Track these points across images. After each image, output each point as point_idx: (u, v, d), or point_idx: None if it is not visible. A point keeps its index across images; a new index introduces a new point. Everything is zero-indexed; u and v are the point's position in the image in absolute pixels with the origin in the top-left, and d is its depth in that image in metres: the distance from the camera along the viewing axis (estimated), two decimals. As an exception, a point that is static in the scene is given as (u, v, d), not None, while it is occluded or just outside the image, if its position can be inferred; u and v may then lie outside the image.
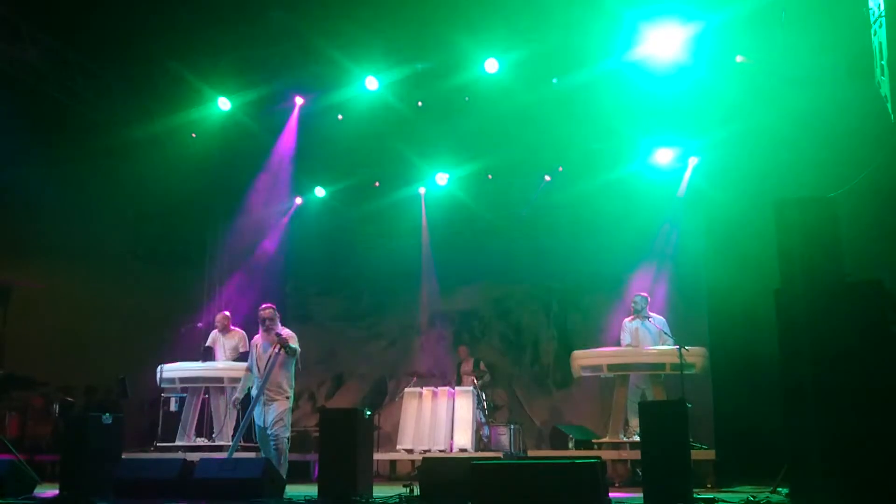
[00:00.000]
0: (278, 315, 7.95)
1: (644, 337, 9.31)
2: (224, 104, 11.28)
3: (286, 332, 7.86)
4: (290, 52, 10.20)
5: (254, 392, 7.87)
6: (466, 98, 10.94)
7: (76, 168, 10.61)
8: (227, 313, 10.62)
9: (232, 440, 9.38)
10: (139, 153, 10.82)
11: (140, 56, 10.13)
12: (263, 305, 8.01)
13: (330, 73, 10.68)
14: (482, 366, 11.44)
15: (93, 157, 10.51)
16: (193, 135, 11.56)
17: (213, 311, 12.38)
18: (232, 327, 10.44)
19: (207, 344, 10.41)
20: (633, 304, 9.47)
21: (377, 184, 12.83)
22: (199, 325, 12.20)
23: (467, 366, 11.41)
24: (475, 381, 10.76)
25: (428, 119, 11.40)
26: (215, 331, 10.53)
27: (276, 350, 7.66)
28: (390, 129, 11.49)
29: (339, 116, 11.52)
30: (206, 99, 11.14)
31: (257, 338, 7.96)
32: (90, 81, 10.42)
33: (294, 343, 7.80)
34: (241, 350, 10.12)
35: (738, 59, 9.80)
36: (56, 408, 10.19)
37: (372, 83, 10.79)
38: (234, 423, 10.00)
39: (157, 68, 10.42)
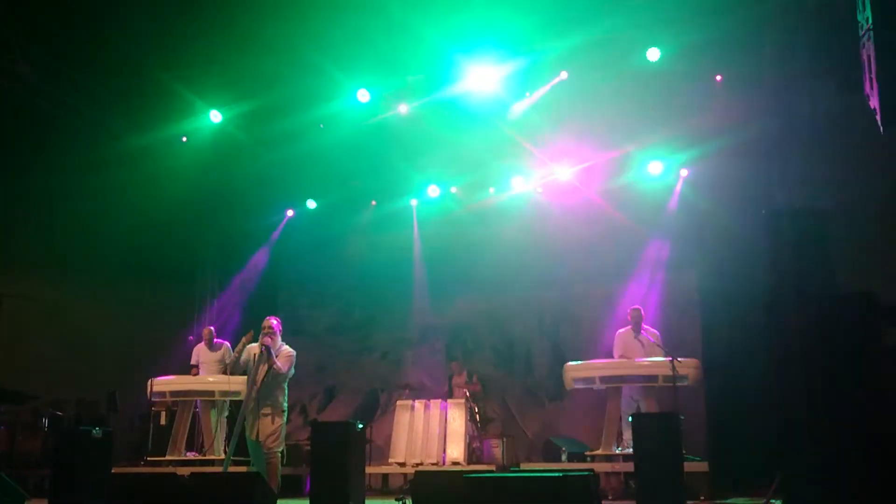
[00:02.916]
0: (279, 330, 7.76)
1: (637, 349, 9.31)
2: (215, 116, 11.27)
3: (285, 350, 7.71)
4: (281, 65, 10.20)
5: (245, 404, 7.79)
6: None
7: (67, 180, 10.58)
8: (212, 328, 10.65)
9: (224, 453, 9.36)
10: (130, 166, 10.78)
11: (131, 68, 10.12)
12: (269, 317, 7.81)
13: (322, 85, 10.69)
14: (475, 378, 11.41)
15: (84, 170, 10.47)
16: (184, 138, 11.52)
17: (205, 324, 12.36)
18: (216, 340, 10.46)
19: (192, 363, 10.41)
20: (631, 317, 9.48)
21: (374, 203, 12.89)
22: (191, 338, 12.16)
23: (460, 378, 11.38)
24: (467, 394, 10.73)
25: (420, 130, 11.41)
26: (200, 345, 10.52)
27: (269, 364, 7.57)
28: (382, 141, 11.50)
29: (321, 125, 11.53)
30: (198, 111, 11.13)
31: (254, 346, 7.81)
32: (82, 94, 10.40)
33: (287, 364, 7.64)
34: (227, 361, 10.14)
35: (718, 78, 9.91)
36: (46, 421, 10.12)
37: (364, 95, 10.81)
38: (225, 437, 9.97)
39: (148, 80, 10.40)
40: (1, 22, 9.14)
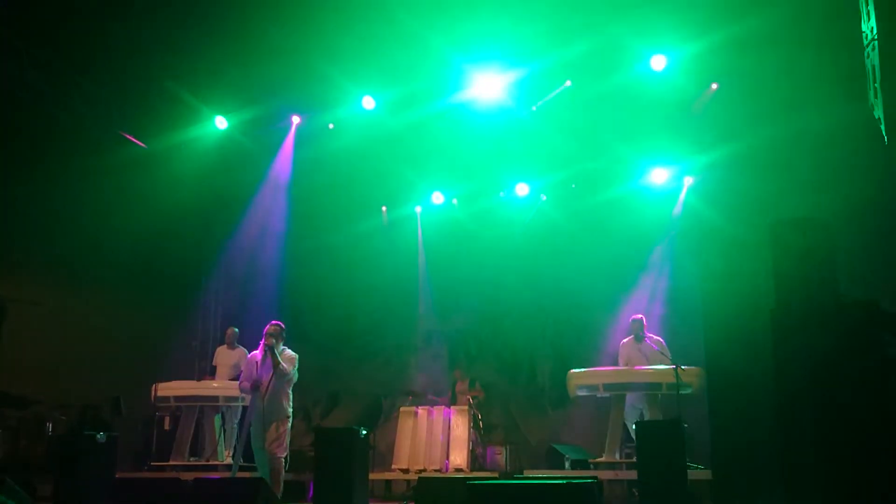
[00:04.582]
0: (283, 334, 7.86)
1: (640, 358, 9.32)
2: (221, 123, 11.31)
3: (288, 353, 7.78)
4: (287, 72, 10.24)
5: (250, 409, 7.83)
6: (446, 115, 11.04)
7: (73, 185, 10.61)
8: (235, 329, 10.60)
9: (231, 458, 9.37)
10: (136, 171, 10.81)
11: (137, 74, 10.16)
12: (272, 322, 7.92)
13: (327, 92, 10.73)
14: (478, 385, 11.41)
15: (89, 175, 10.51)
16: (330, 125, 11.47)
17: (209, 329, 12.36)
18: (236, 345, 10.47)
19: (214, 363, 10.42)
20: (632, 327, 9.51)
21: (384, 208, 12.92)
22: (195, 343, 12.18)
23: (463, 385, 11.38)
24: (470, 400, 10.73)
25: (424, 137, 11.44)
26: (222, 346, 10.52)
27: (275, 364, 7.60)
28: (387, 147, 11.53)
29: (330, 125, 11.56)
30: (203, 118, 11.17)
31: (256, 353, 7.87)
32: (88, 99, 10.43)
33: (290, 366, 7.71)
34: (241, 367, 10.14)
35: (713, 86, 9.92)
36: (50, 426, 10.13)
37: (369, 102, 10.84)
38: (231, 442, 9.98)
39: (154, 87, 10.45)
40: (9, 27, 9.19)
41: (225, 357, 10.35)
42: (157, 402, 10.11)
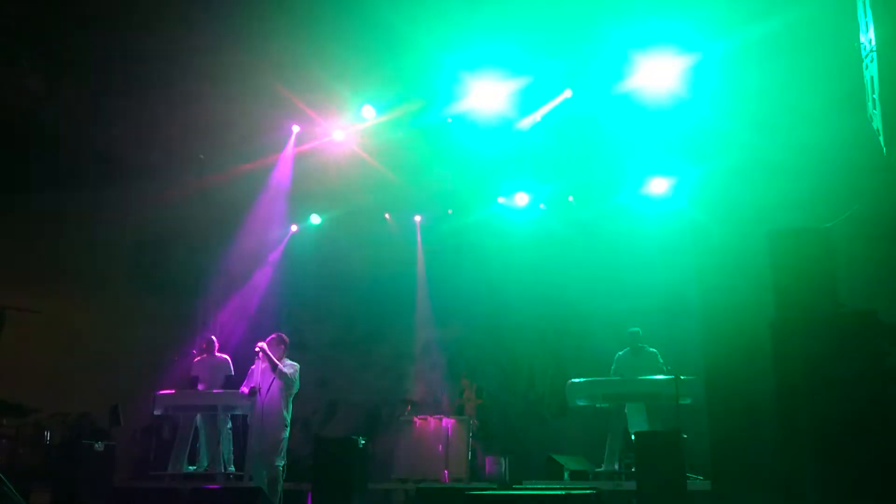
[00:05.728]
0: (283, 344, 7.93)
1: (635, 370, 9.31)
2: (221, 131, 11.31)
3: (288, 362, 7.84)
4: (285, 80, 10.25)
5: (250, 418, 7.85)
6: (449, 119, 11.03)
7: (72, 193, 10.63)
8: (213, 337, 10.61)
9: (225, 467, 9.34)
10: (136, 179, 10.82)
11: (138, 82, 10.17)
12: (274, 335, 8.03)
13: (327, 101, 10.73)
14: (484, 394, 11.36)
15: (90, 184, 10.52)
16: (202, 156, 11.48)
17: (208, 338, 12.34)
18: (217, 353, 10.43)
19: (193, 374, 10.39)
20: (629, 339, 9.53)
21: (387, 215, 12.91)
22: (194, 351, 12.15)
23: (470, 393, 11.35)
24: (472, 410, 10.70)
25: (423, 146, 11.45)
26: (200, 357, 10.50)
27: (272, 379, 7.65)
28: (387, 156, 11.54)
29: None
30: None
31: (258, 364, 7.94)
32: (88, 107, 10.44)
33: (291, 370, 7.77)
34: (226, 374, 10.11)
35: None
36: (48, 435, 10.11)
37: (368, 111, 10.85)
38: (230, 449, 9.94)
39: (154, 94, 10.45)
40: (9, 36, 9.21)
41: (204, 366, 10.31)
42: (156, 411, 10.08)
